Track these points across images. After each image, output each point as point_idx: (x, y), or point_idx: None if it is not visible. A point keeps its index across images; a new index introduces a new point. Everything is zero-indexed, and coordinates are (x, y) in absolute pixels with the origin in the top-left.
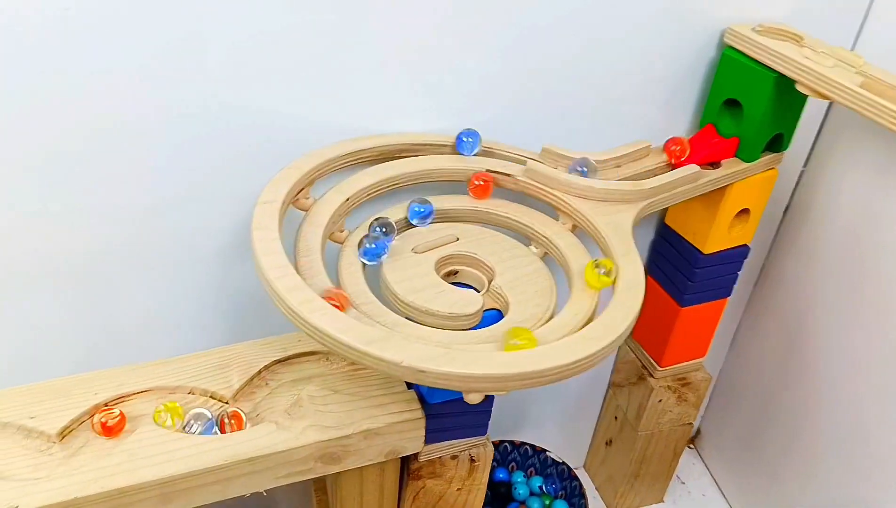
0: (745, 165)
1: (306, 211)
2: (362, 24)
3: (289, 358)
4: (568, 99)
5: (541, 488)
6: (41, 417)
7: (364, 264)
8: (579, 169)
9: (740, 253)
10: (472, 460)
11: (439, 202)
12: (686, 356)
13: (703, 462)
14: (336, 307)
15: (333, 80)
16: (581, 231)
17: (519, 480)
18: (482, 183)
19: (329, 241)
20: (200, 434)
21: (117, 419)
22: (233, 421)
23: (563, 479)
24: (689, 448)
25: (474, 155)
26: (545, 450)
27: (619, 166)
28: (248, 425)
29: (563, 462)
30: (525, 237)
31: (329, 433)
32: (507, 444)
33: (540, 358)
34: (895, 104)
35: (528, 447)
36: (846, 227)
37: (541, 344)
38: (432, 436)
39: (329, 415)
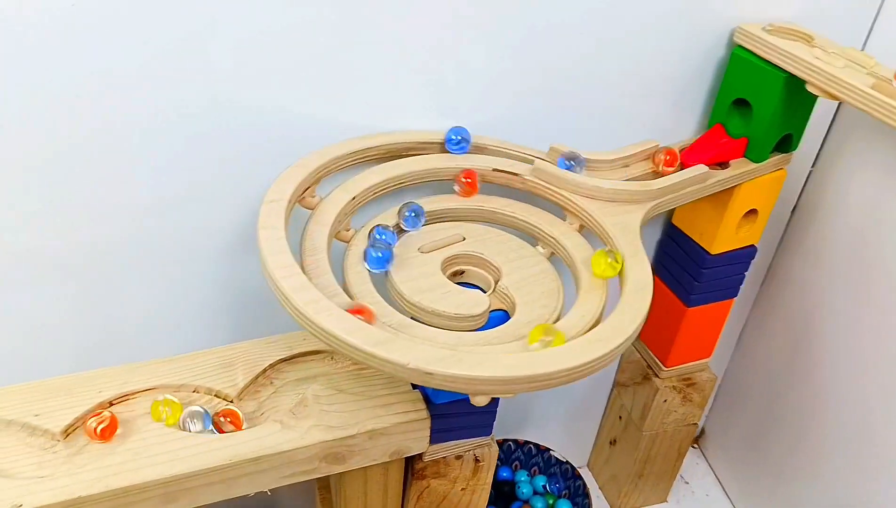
0: (754, 166)
1: (312, 209)
2: (369, 22)
3: (294, 356)
4: (576, 98)
5: (544, 487)
6: (45, 415)
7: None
8: (567, 162)
9: (748, 253)
10: (476, 460)
11: (445, 201)
12: (691, 356)
13: (707, 461)
14: (364, 320)
15: (339, 77)
16: (588, 231)
17: (522, 479)
18: (468, 181)
19: (335, 240)
20: (199, 432)
21: (106, 423)
22: (228, 419)
23: (566, 478)
24: (693, 447)
25: (467, 153)
26: (549, 449)
27: (626, 166)
28: (246, 424)
29: (567, 462)
30: (532, 237)
31: (334, 433)
32: (510, 443)
33: (548, 360)
34: None
35: (531, 446)
36: (854, 228)
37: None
38: (437, 436)
39: (334, 415)
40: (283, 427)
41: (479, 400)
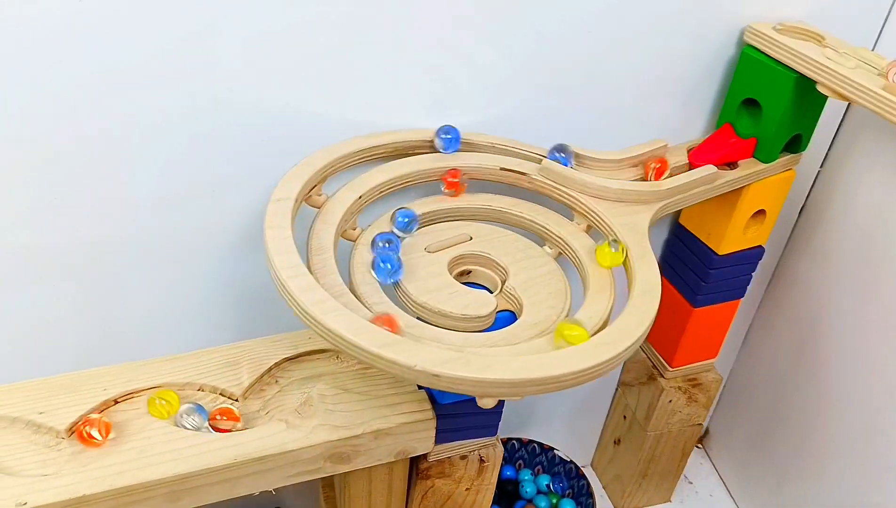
0: (763, 166)
1: (319, 208)
2: (376, 19)
3: (299, 355)
4: (584, 97)
5: (548, 486)
6: (50, 413)
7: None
8: (557, 155)
9: (755, 254)
10: (481, 460)
11: (452, 200)
12: (697, 357)
13: (712, 461)
14: (389, 331)
15: (346, 75)
16: (596, 231)
17: (526, 478)
18: (454, 180)
19: (341, 239)
20: (196, 427)
21: (95, 428)
22: (224, 417)
23: (570, 478)
24: (698, 447)
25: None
26: (553, 448)
27: (635, 166)
28: (242, 422)
29: (571, 461)
30: (539, 237)
31: (339, 432)
32: (514, 442)
33: (556, 363)
34: None
35: (535, 445)
36: (862, 229)
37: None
38: (442, 436)
39: (339, 415)
40: (288, 427)
41: (486, 403)
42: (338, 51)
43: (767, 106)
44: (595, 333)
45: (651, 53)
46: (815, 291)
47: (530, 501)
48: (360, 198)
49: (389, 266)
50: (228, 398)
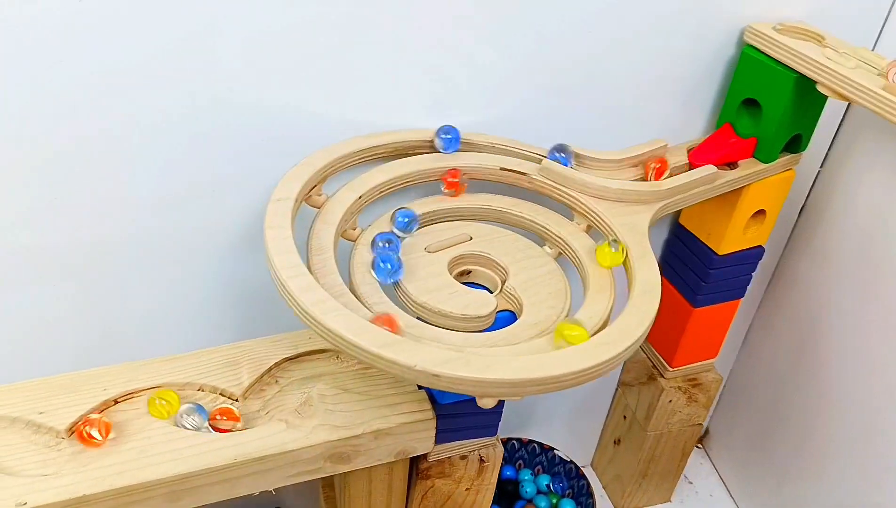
0: (763, 166)
1: (319, 208)
2: (376, 19)
3: (299, 355)
4: (584, 97)
5: (548, 486)
6: (50, 413)
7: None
8: (557, 155)
9: (755, 254)
10: (481, 460)
11: (451, 200)
12: (697, 357)
13: (712, 461)
14: (389, 331)
15: (346, 75)
16: (596, 231)
17: (526, 478)
18: (454, 180)
19: (341, 239)
20: (196, 427)
21: (95, 428)
22: (224, 417)
23: (570, 478)
24: (698, 447)
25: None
26: (553, 448)
27: (634, 166)
28: (242, 422)
29: (571, 461)
30: (539, 237)
31: (339, 432)
32: (514, 442)
33: (556, 363)
34: None
35: (535, 445)
36: (862, 229)
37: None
38: (442, 436)
39: (339, 415)
40: (288, 427)
41: (486, 403)
42: (338, 51)
43: (767, 106)
44: (595, 333)
45: (651, 53)
46: (815, 291)
47: (530, 501)
48: (360, 198)
49: (389, 266)
50: (228, 398)
